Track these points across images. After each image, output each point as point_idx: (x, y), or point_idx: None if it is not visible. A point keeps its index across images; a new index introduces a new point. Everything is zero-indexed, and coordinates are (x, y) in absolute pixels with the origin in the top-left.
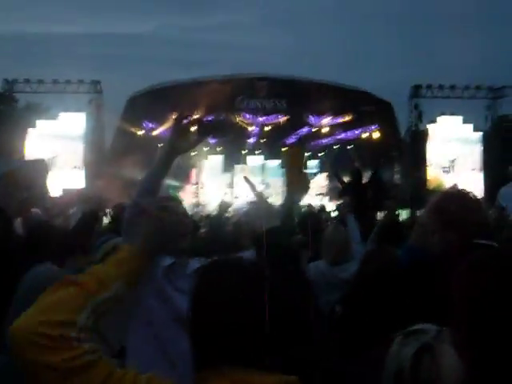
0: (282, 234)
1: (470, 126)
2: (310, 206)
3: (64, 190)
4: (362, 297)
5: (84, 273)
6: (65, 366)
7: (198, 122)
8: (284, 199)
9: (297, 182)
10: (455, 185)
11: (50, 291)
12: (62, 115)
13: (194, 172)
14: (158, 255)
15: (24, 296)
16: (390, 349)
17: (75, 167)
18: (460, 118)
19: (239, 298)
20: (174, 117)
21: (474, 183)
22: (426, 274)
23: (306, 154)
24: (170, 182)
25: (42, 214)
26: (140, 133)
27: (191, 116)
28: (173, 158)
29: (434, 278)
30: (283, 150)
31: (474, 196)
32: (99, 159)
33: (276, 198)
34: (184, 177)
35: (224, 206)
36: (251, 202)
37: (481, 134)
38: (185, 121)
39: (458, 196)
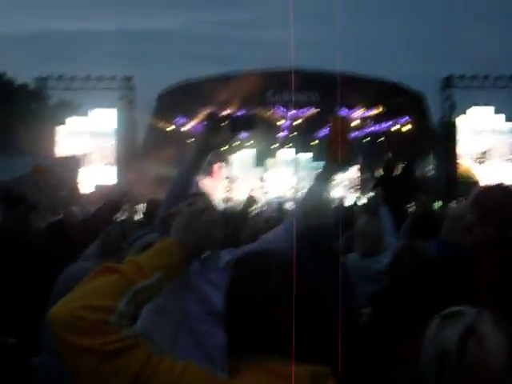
0: (323, 234)
1: (502, 117)
2: (342, 198)
3: (96, 187)
4: (393, 298)
5: (124, 261)
6: (103, 349)
7: (229, 117)
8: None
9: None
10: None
11: (90, 278)
12: (93, 112)
13: (225, 166)
14: (197, 252)
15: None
16: (427, 332)
17: (107, 164)
18: (492, 109)
19: (275, 290)
20: (205, 113)
21: (506, 174)
22: (461, 267)
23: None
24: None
25: (78, 211)
26: (171, 128)
27: (222, 112)
28: (205, 155)
29: (469, 271)
30: (315, 142)
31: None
32: (131, 155)
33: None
34: (215, 171)
35: (250, 202)
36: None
37: None
38: (216, 117)
39: (496, 189)
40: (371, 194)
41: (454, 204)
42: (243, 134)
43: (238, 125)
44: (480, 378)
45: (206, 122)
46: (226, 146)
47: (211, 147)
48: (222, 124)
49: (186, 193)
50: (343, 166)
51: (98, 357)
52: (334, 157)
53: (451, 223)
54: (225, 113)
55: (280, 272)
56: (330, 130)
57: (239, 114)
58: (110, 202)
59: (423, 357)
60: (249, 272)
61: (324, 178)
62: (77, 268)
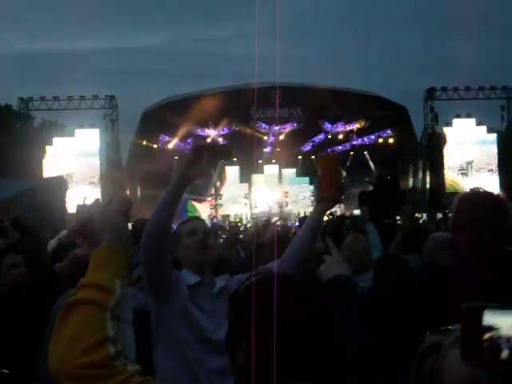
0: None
1: (484, 128)
2: (330, 214)
3: (79, 206)
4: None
5: (78, 289)
6: None
7: (209, 148)
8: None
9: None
10: (475, 187)
11: (64, 320)
12: (78, 131)
13: (210, 184)
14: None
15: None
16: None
17: (92, 183)
18: (473, 120)
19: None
20: (187, 135)
21: (490, 184)
22: (445, 283)
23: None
24: (187, 194)
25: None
26: (155, 146)
27: (204, 144)
28: (185, 185)
29: (452, 286)
30: (299, 157)
31: (493, 196)
32: (116, 174)
33: (293, 206)
34: (201, 189)
35: (258, 222)
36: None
37: (495, 135)
38: (197, 148)
39: (470, 196)
40: (357, 210)
41: (438, 216)
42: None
43: (216, 154)
44: None
45: (189, 155)
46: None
47: (191, 178)
48: (202, 155)
49: (169, 216)
50: (335, 203)
51: None
52: (326, 195)
53: (430, 244)
54: (204, 144)
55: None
56: (319, 170)
57: (217, 144)
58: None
59: None
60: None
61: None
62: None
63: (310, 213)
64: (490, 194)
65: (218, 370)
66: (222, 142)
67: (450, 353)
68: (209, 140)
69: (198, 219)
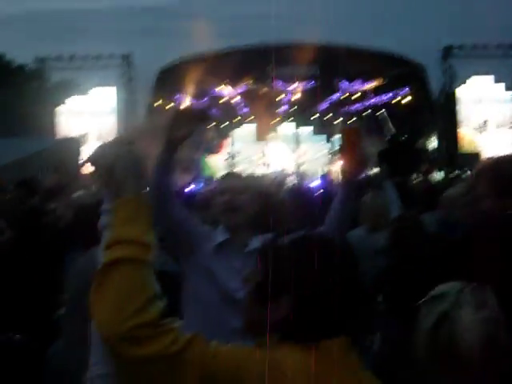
0: None
1: (502, 85)
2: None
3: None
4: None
5: (110, 245)
6: (170, 352)
7: (186, 111)
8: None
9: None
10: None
11: (105, 281)
12: (93, 90)
13: (226, 142)
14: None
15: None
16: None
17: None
18: (491, 78)
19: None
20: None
21: (508, 142)
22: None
23: (339, 120)
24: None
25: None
26: (171, 105)
27: (180, 109)
28: (173, 150)
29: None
30: (316, 116)
31: None
32: (133, 133)
33: (311, 165)
34: (217, 147)
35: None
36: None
37: None
38: (176, 112)
39: (495, 165)
40: (375, 168)
41: (454, 175)
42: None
43: (192, 120)
44: (452, 365)
45: (170, 119)
46: (226, 121)
47: (178, 141)
48: (180, 120)
49: (164, 191)
50: (358, 176)
51: (169, 362)
52: (349, 170)
53: (453, 201)
54: (179, 109)
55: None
56: (342, 144)
57: (193, 109)
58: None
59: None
60: (312, 256)
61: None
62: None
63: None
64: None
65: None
66: (198, 107)
67: (460, 316)
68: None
69: (234, 176)
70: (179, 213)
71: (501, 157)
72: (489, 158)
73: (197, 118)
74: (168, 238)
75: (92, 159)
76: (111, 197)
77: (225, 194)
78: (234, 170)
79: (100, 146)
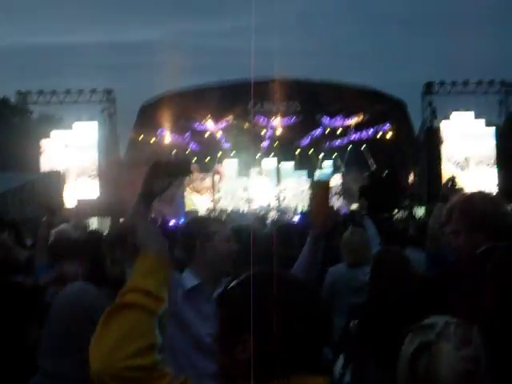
0: None
1: (482, 121)
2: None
3: (79, 201)
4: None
5: (124, 293)
6: None
7: (164, 164)
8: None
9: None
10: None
11: (108, 319)
12: (76, 125)
13: (209, 178)
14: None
15: (60, 315)
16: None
17: (90, 177)
18: (471, 114)
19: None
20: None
21: (489, 179)
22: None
23: (321, 155)
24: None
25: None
26: (153, 140)
27: (160, 161)
28: (150, 201)
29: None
30: (297, 151)
31: (498, 198)
32: (114, 168)
33: (292, 200)
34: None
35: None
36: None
37: (493, 129)
38: (155, 165)
39: (483, 197)
40: (356, 204)
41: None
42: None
43: (174, 172)
44: None
45: (149, 171)
46: (209, 157)
47: (154, 194)
48: (161, 172)
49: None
50: (325, 230)
51: None
52: (319, 223)
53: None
54: (160, 160)
55: (298, 290)
56: (311, 198)
57: (174, 160)
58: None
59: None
60: (269, 293)
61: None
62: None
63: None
64: (488, 197)
65: (213, 375)
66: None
67: (442, 349)
68: (172, 153)
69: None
70: None
71: (469, 196)
72: (459, 197)
73: (177, 171)
74: None
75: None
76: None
77: (231, 241)
78: (217, 207)
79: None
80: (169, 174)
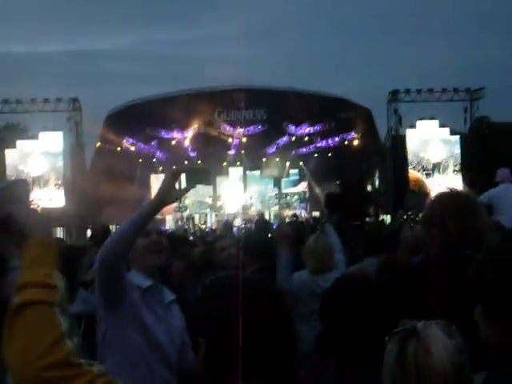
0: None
1: (447, 130)
2: (294, 215)
3: (43, 210)
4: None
5: (19, 290)
6: None
7: (187, 170)
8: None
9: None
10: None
11: (14, 325)
12: (42, 134)
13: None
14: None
15: None
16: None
17: (56, 185)
18: (436, 122)
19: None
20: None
21: (453, 185)
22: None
23: (287, 163)
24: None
25: None
26: (119, 149)
27: (182, 168)
28: (162, 206)
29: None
30: (264, 159)
31: (466, 198)
32: (79, 177)
33: (259, 208)
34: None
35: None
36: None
37: (458, 136)
38: (176, 172)
39: (444, 196)
40: (320, 212)
41: (403, 218)
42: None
43: (194, 177)
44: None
45: (169, 177)
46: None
47: (169, 200)
48: (180, 176)
49: (136, 237)
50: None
51: None
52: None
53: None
54: (182, 167)
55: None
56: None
57: (195, 167)
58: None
59: (384, 374)
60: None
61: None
62: None
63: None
64: (464, 195)
65: (164, 380)
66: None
67: (431, 333)
68: (185, 163)
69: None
70: (124, 264)
71: (450, 190)
72: (442, 191)
73: (197, 179)
74: (106, 286)
75: None
76: (16, 243)
77: (150, 235)
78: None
79: None
80: (190, 180)
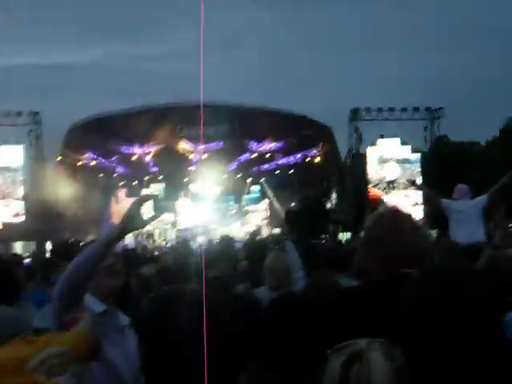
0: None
1: (409, 148)
2: (254, 232)
3: (4, 224)
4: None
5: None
6: None
7: (153, 198)
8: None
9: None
10: (386, 204)
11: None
12: (2, 148)
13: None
14: None
15: None
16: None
17: (16, 199)
18: (398, 140)
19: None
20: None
21: (413, 204)
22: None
23: (248, 180)
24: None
25: None
26: (80, 163)
27: (146, 196)
28: (124, 235)
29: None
30: (225, 176)
31: (403, 218)
32: (40, 191)
33: (219, 225)
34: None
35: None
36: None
37: (419, 154)
38: (141, 199)
39: (379, 215)
40: (279, 229)
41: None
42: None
43: (160, 206)
44: None
45: (133, 205)
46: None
47: (132, 229)
48: (145, 204)
49: (96, 266)
50: None
51: None
52: None
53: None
54: (149, 194)
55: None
56: None
57: (158, 195)
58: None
59: None
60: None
61: None
62: None
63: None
64: (401, 214)
65: None
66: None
67: (374, 358)
68: (147, 192)
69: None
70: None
71: (388, 209)
72: (379, 210)
73: (163, 208)
74: (63, 300)
75: None
76: None
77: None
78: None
79: None
80: (157, 208)
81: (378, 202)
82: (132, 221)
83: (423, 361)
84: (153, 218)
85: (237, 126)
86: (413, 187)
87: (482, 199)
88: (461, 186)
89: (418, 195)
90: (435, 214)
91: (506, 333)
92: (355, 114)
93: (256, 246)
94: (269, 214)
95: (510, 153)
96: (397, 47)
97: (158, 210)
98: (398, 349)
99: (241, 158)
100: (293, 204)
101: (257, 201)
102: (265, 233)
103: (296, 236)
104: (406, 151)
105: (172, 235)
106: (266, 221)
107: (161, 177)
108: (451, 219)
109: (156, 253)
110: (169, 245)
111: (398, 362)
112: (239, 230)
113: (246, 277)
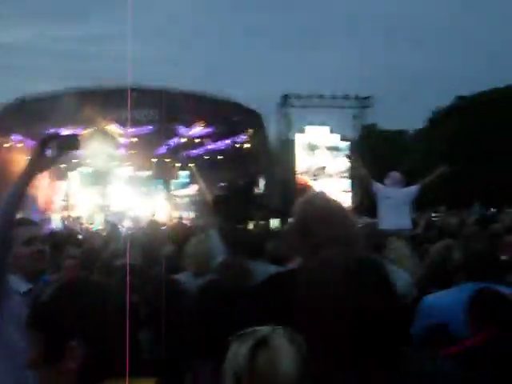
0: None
1: (338, 136)
2: (181, 217)
3: None
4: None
5: None
6: None
7: (54, 137)
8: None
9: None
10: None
11: None
12: None
13: (62, 185)
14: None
15: None
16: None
17: None
18: (327, 128)
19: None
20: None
21: (341, 191)
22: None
23: (177, 165)
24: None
25: None
26: (7, 145)
27: (50, 134)
28: (34, 176)
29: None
30: (154, 160)
31: (331, 201)
32: None
33: (146, 210)
34: (51, 190)
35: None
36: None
37: (348, 143)
38: (43, 139)
39: (307, 201)
40: (203, 214)
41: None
42: (71, 153)
43: (63, 145)
44: None
45: (37, 145)
46: (64, 163)
47: (40, 168)
48: (49, 144)
49: (13, 214)
50: None
51: None
52: None
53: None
54: (51, 133)
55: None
56: None
57: (64, 134)
58: None
59: (224, 378)
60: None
61: None
62: None
63: None
64: (329, 200)
65: None
66: (69, 133)
67: (280, 343)
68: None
69: (32, 224)
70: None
71: (314, 195)
72: (305, 196)
73: (66, 144)
74: None
75: None
76: None
77: (34, 243)
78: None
79: None
80: (58, 147)
81: (307, 188)
82: (38, 160)
83: (319, 350)
84: (58, 156)
85: (167, 111)
86: (340, 178)
87: (414, 189)
88: (394, 174)
89: (346, 183)
90: (363, 199)
91: (422, 320)
92: (285, 101)
93: (182, 231)
94: (197, 199)
95: (436, 143)
96: (329, 35)
97: (62, 148)
98: (299, 336)
99: (170, 142)
100: (220, 189)
101: (185, 186)
102: (192, 218)
103: (222, 221)
104: (335, 139)
105: (100, 219)
106: (193, 206)
107: (88, 160)
108: (380, 204)
109: (80, 236)
110: (96, 228)
111: (301, 348)
112: (167, 215)
113: (171, 262)
